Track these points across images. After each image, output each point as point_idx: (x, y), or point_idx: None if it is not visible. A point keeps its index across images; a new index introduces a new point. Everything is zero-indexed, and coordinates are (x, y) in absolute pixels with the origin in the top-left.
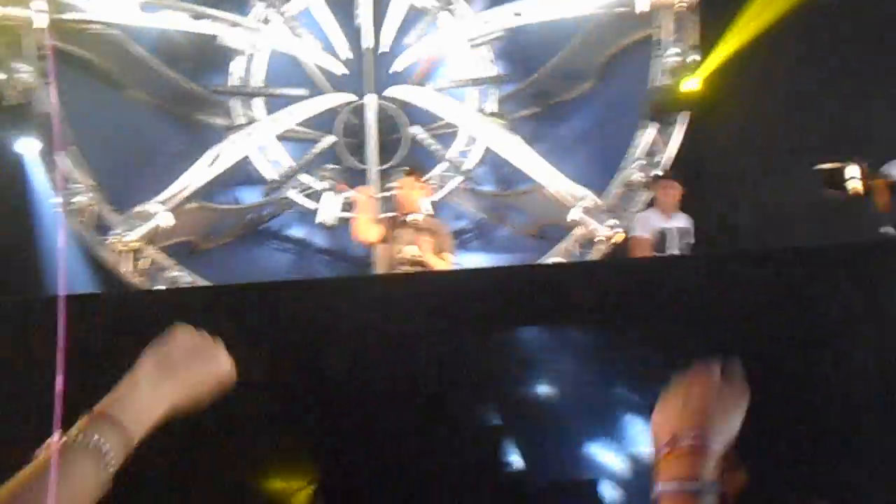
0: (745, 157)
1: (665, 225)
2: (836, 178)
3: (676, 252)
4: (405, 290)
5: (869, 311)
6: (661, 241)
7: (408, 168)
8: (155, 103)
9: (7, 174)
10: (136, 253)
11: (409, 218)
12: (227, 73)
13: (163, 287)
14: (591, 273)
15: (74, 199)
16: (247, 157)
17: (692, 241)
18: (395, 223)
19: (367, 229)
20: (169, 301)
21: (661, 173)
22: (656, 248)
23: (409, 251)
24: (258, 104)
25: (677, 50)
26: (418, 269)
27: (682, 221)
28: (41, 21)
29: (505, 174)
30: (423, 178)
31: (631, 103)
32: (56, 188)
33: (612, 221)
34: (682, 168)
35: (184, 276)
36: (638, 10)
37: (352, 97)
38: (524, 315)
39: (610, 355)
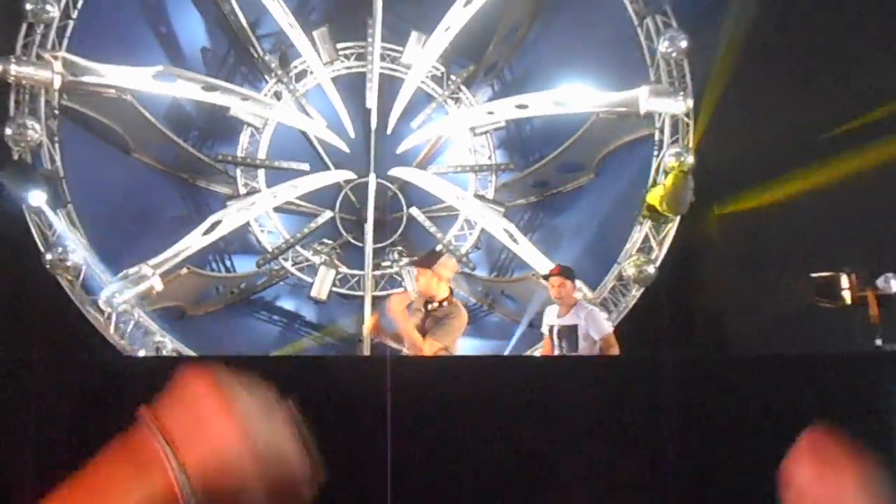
0: (737, 263)
1: (554, 322)
2: (831, 288)
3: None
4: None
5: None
6: (556, 335)
7: (422, 255)
8: (161, 169)
9: (6, 229)
10: (124, 315)
11: (427, 305)
12: (235, 144)
13: (145, 353)
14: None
15: (65, 258)
16: (246, 226)
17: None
18: (416, 307)
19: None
20: (151, 368)
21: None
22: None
23: (424, 343)
24: (261, 176)
25: (675, 150)
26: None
27: (570, 319)
28: (57, 82)
29: (500, 260)
30: (447, 262)
31: (628, 198)
32: (48, 245)
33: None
34: (675, 267)
35: (167, 343)
36: (642, 111)
37: (353, 175)
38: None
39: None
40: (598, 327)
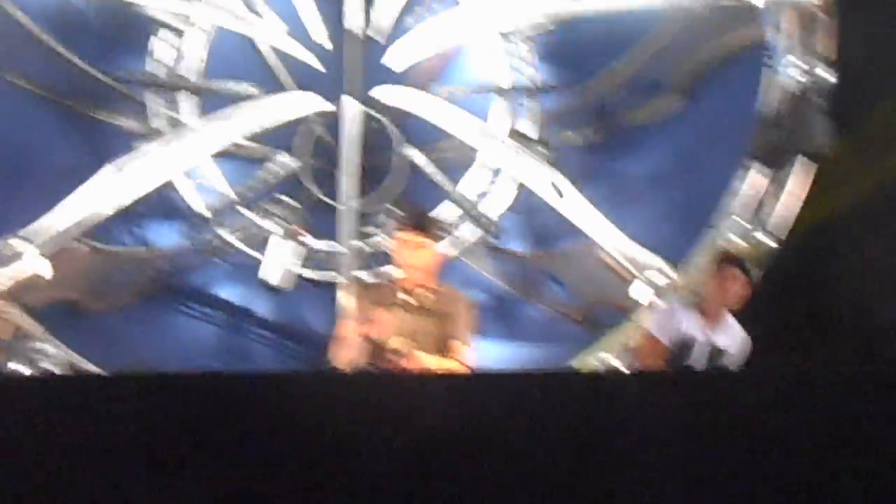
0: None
1: (696, 335)
2: None
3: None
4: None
5: None
6: (681, 354)
7: (407, 213)
8: (39, 93)
9: None
10: None
11: (401, 295)
12: (147, 56)
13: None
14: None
15: None
16: (166, 181)
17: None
18: (386, 295)
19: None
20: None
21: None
22: (674, 364)
23: (395, 343)
24: (188, 103)
25: (802, 62)
26: (400, 368)
27: (722, 338)
28: None
29: (540, 227)
30: (432, 230)
31: (731, 134)
32: None
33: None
34: (802, 237)
35: (56, 354)
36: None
37: (325, 102)
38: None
39: None
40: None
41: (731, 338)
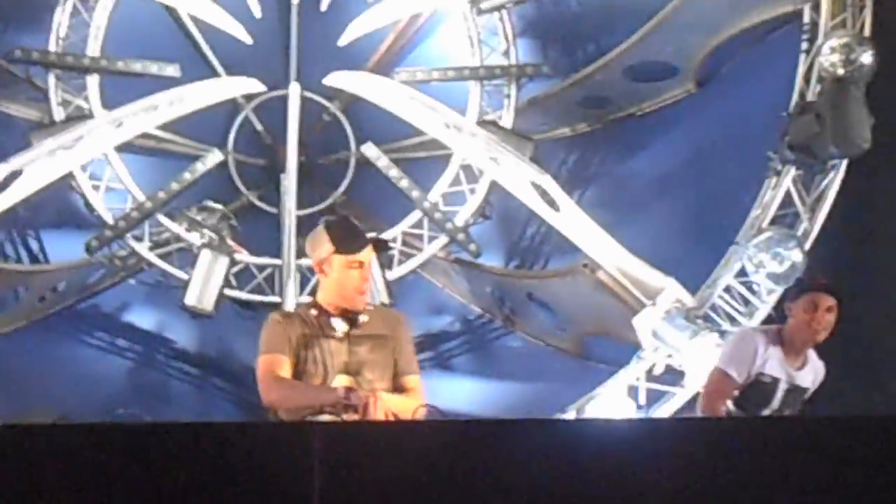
0: None
1: (779, 374)
2: None
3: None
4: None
5: None
6: (758, 393)
7: (332, 218)
8: None
9: None
10: None
11: (333, 321)
12: (47, 31)
13: None
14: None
15: None
16: (67, 179)
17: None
18: (314, 329)
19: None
20: None
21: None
22: (745, 404)
23: (340, 382)
24: (93, 86)
25: (841, 41)
26: (352, 416)
27: (807, 377)
28: None
29: (521, 238)
30: (374, 240)
31: (755, 127)
32: None
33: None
34: (837, 249)
35: None
36: None
37: (260, 86)
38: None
39: None
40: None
41: (814, 374)
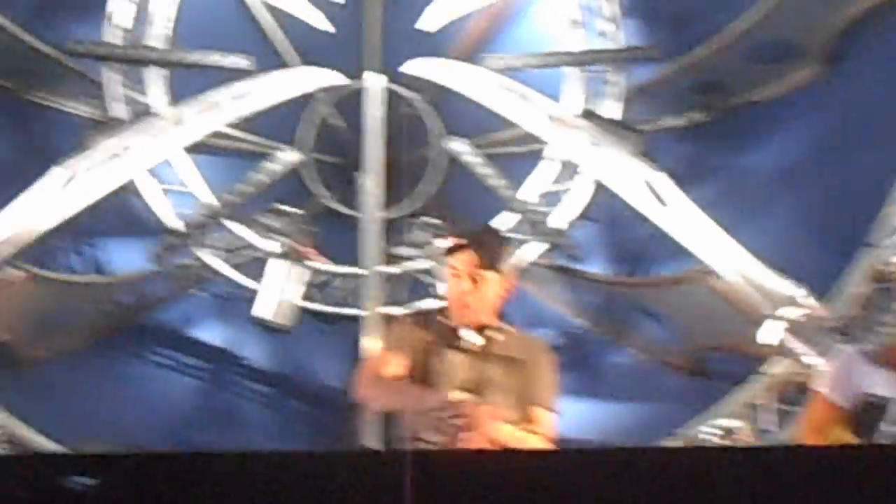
0: None
1: (886, 392)
2: None
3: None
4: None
5: None
6: (869, 415)
7: (468, 233)
8: None
9: None
10: None
11: (463, 333)
12: (100, 22)
13: None
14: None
15: None
16: (129, 185)
17: None
18: (441, 338)
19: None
20: None
21: None
22: (858, 428)
23: (457, 398)
24: (156, 81)
25: None
26: (466, 439)
27: None
28: None
29: (629, 242)
30: (497, 252)
31: (890, 112)
32: None
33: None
34: None
35: None
36: None
37: (340, 77)
38: None
39: None
40: None
41: None
